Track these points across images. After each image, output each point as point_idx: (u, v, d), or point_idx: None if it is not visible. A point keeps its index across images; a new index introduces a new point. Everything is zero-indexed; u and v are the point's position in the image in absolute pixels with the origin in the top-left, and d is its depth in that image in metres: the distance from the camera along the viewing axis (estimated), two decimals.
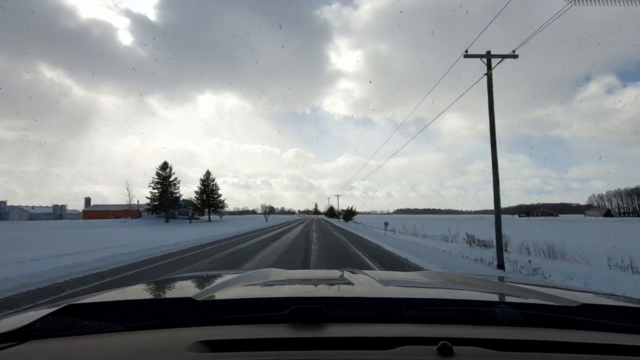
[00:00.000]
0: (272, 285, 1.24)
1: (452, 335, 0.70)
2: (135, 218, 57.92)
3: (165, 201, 52.43)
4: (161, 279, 1.47)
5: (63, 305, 0.83)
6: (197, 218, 65.88)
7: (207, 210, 62.33)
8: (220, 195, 62.44)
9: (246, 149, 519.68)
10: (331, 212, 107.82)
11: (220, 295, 0.98)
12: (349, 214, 65.56)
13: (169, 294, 1.09)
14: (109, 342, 0.72)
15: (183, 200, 59.39)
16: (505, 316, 0.83)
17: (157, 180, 54.22)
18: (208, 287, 1.03)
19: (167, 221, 50.97)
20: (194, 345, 0.66)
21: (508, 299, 0.98)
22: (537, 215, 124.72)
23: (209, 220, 60.66)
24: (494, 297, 1.01)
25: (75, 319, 0.80)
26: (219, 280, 1.19)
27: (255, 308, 0.88)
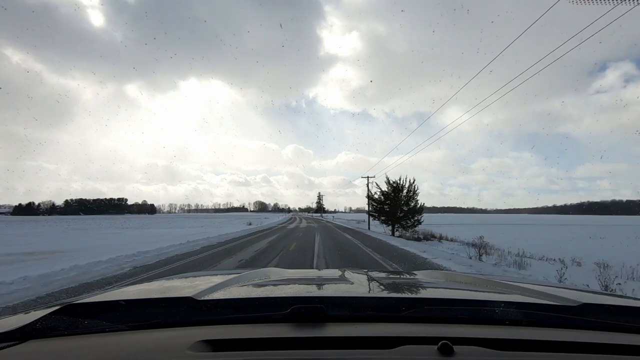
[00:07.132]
0: (273, 284, 1.24)
1: (453, 334, 0.70)
2: None
3: None
4: (161, 279, 1.47)
5: (63, 305, 0.83)
6: None
7: None
8: None
9: (244, 146, 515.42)
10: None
11: (220, 294, 0.98)
12: None
13: (170, 293, 1.09)
14: (110, 342, 0.72)
15: None
16: (506, 315, 0.83)
17: None
18: (208, 287, 1.03)
19: None
20: (194, 344, 0.66)
21: (509, 298, 0.98)
22: None
23: None
24: (495, 297, 1.01)
25: (76, 318, 0.80)
26: (219, 280, 1.19)
27: (256, 307, 0.88)
